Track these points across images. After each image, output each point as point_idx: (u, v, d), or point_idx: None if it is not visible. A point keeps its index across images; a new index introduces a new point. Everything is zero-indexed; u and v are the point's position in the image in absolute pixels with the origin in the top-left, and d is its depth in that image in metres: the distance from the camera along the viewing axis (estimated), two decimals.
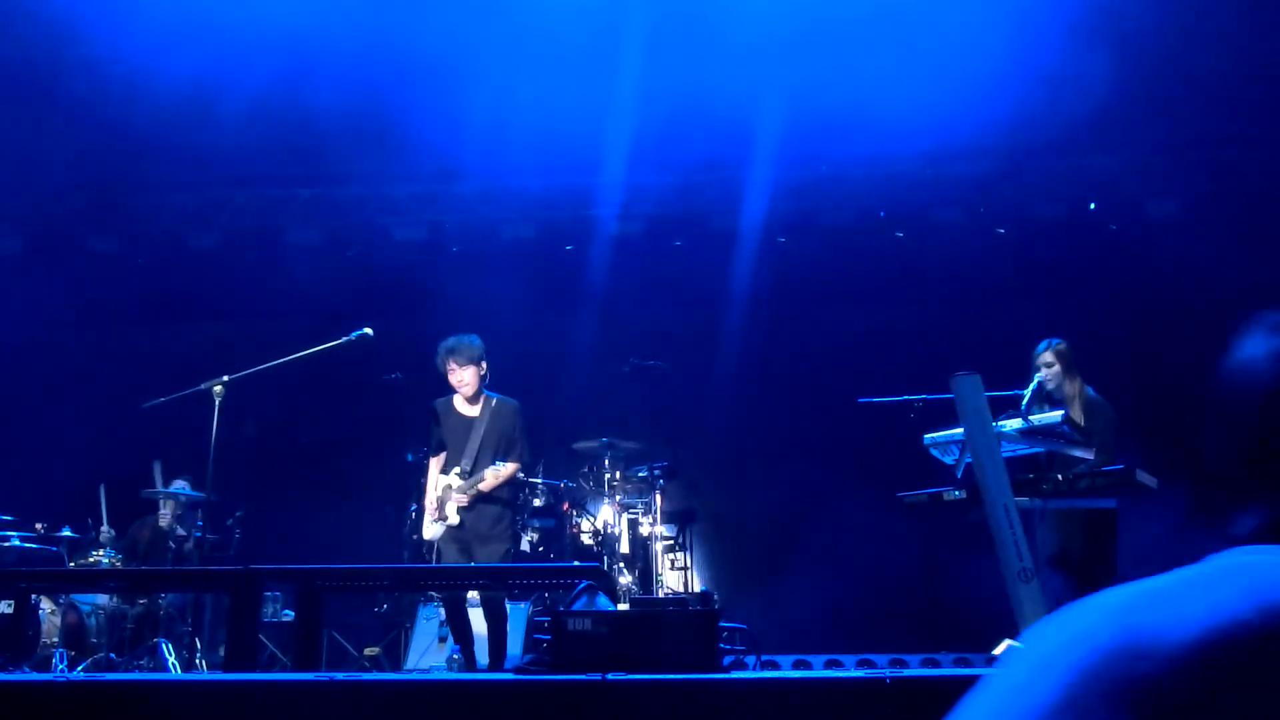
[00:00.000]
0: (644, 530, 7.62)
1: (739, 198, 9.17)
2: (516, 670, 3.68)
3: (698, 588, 7.86)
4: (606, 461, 7.70)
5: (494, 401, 6.23)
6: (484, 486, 6.01)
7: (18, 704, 3.19)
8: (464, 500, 5.99)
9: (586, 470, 7.81)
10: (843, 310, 9.19)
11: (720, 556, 8.57)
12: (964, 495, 5.08)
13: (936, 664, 4.14)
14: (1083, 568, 5.35)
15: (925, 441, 5.45)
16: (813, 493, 8.37)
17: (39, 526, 7.31)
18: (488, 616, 5.99)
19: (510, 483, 6.21)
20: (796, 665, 4.23)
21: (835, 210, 9.33)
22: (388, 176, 9.38)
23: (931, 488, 5.27)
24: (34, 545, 7.20)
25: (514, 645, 6.23)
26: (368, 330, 5.96)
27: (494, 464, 5.97)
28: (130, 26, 7.40)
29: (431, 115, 8.14)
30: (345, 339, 5.95)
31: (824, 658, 4.26)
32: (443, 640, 6.23)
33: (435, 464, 6.29)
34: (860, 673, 3.34)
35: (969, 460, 4.95)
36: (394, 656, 6.56)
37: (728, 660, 3.75)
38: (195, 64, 7.57)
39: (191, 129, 8.24)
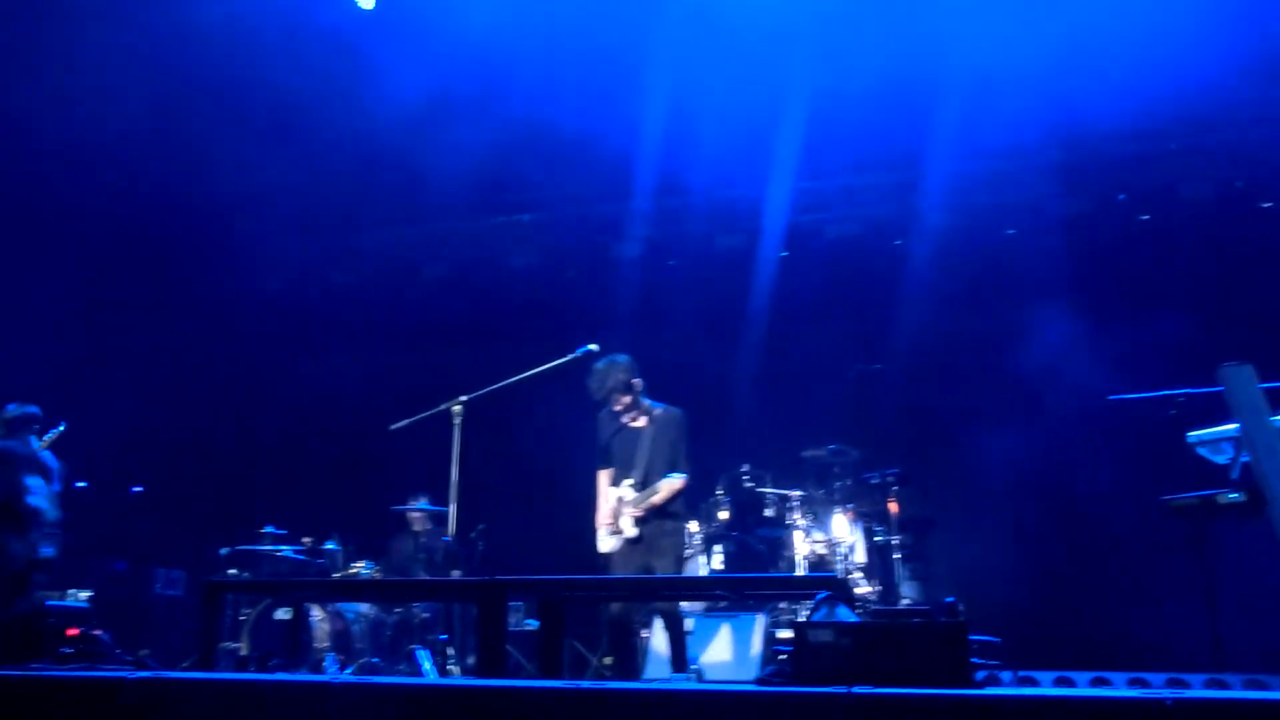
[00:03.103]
0: (879, 539, 7.39)
1: (952, 193, 8.85)
2: (759, 681, 3.62)
3: (941, 598, 7.53)
4: (836, 469, 7.52)
5: (658, 411, 6.10)
6: (656, 500, 5.87)
7: (300, 701, 3.43)
8: (638, 513, 5.89)
9: (816, 479, 7.66)
10: (1083, 304, 8.60)
11: (964, 565, 8.16)
12: (1243, 498, 4.59)
13: (1224, 685, 3.76)
14: None
15: (1190, 440, 4.98)
16: (1066, 496, 7.87)
17: (306, 540, 7.91)
18: (666, 629, 5.87)
19: (676, 498, 5.98)
20: (1058, 683, 3.95)
21: (1066, 197, 8.81)
22: (602, 196, 9.61)
23: (1203, 490, 4.80)
24: (304, 558, 7.80)
25: (747, 657, 6.14)
26: (593, 346, 6.05)
27: (665, 475, 5.85)
28: (352, 72, 7.97)
29: (642, 132, 8.31)
30: (571, 356, 6.07)
31: (1090, 675, 3.95)
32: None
33: (604, 477, 6.19)
34: (1134, 693, 3.06)
35: (1246, 459, 4.49)
36: (631, 666, 6.62)
37: (980, 675, 3.55)
38: (416, 102, 8.04)
39: (416, 166, 8.77)
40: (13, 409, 6.77)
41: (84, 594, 6.61)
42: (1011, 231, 8.95)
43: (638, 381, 6.07)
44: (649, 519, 5.91)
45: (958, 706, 2.96)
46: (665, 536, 5.93)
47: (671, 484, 5.89)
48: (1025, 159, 8.67)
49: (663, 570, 5.84)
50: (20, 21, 7.36)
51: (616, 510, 6.00)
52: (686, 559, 6.86)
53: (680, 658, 5.71)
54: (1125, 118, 7.81)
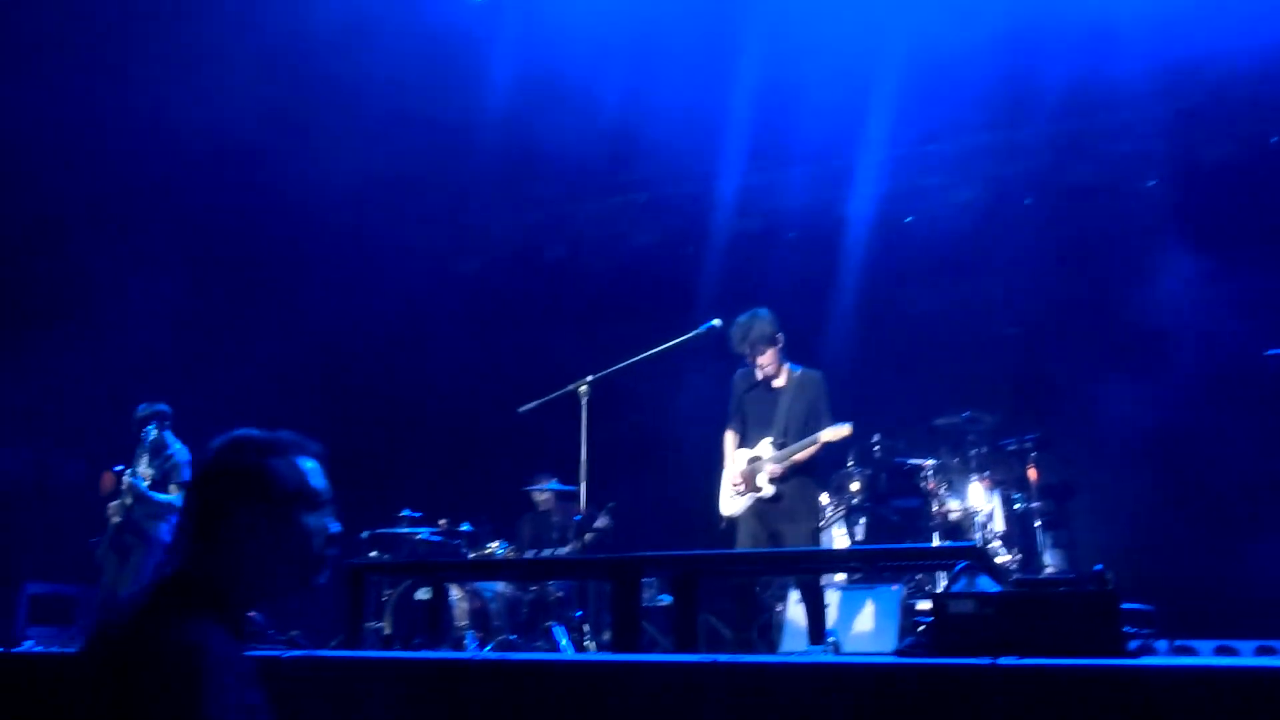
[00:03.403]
0: (1018, 506, 7.16)
1: (1086, 146, 8.47)
2: (899, 653, 3.55)
3: (1087, 566, 7.24)
4: (970, 436, 7.31)
5: (798, 374, 5.97)
6: (802, 456, 5.70)
7: (443, 677, 3.53)
8: (778, 470, 5.72)
9: (949, 447, 7.45)
10: (1232, 257, 8.10)
11: (1110, 532, 7.83)
12: None
13: None
14: None
15: None
16: (1217, 456, 7.45)
17: (441, 523, 8.14)
18: (805, 600, 5.71)
19: (816, 458, 5.85)
20: (1219, 652, 3.75)
21: (1212, 143, 8.31)
22: (718, 171, 9.53)
23: None
24: (441, 539, 8.03)
25: (885, 629, 6.03)
26: (716, 321, 5.99)
27: (807, 434, 5.68)
28: (467, 62, 8.09)
29: (756, 104, 8.21)
30: (695, 332, 6.01)
31: (1254, 643, 3.72)
32: None
33: (731, 438, 6.07)
34: None
35: None
36: (767, 639, 6.59)
37: (1134, 645, 3.40)
38: (531, 86, 8.13)
39: (532, 150, 8.88)
40: (143, 408, 7.17)
41: None
42: (1152, 183, 8.49)
43: (781, 336, 5.97)
44: (789, 477, 5.76)
45: (1110, 678, 2.84)
46: (803, 500, 5.78)
47: (838, 430, 5.68)
48: (1167, 104, 8.21)
49: (794, 536, 5.68)
50: (144, 25, 7.72)
51: (750, 470, 5.86)
52: (820, 530, 6.78)
53: (819, 630, 5.57)
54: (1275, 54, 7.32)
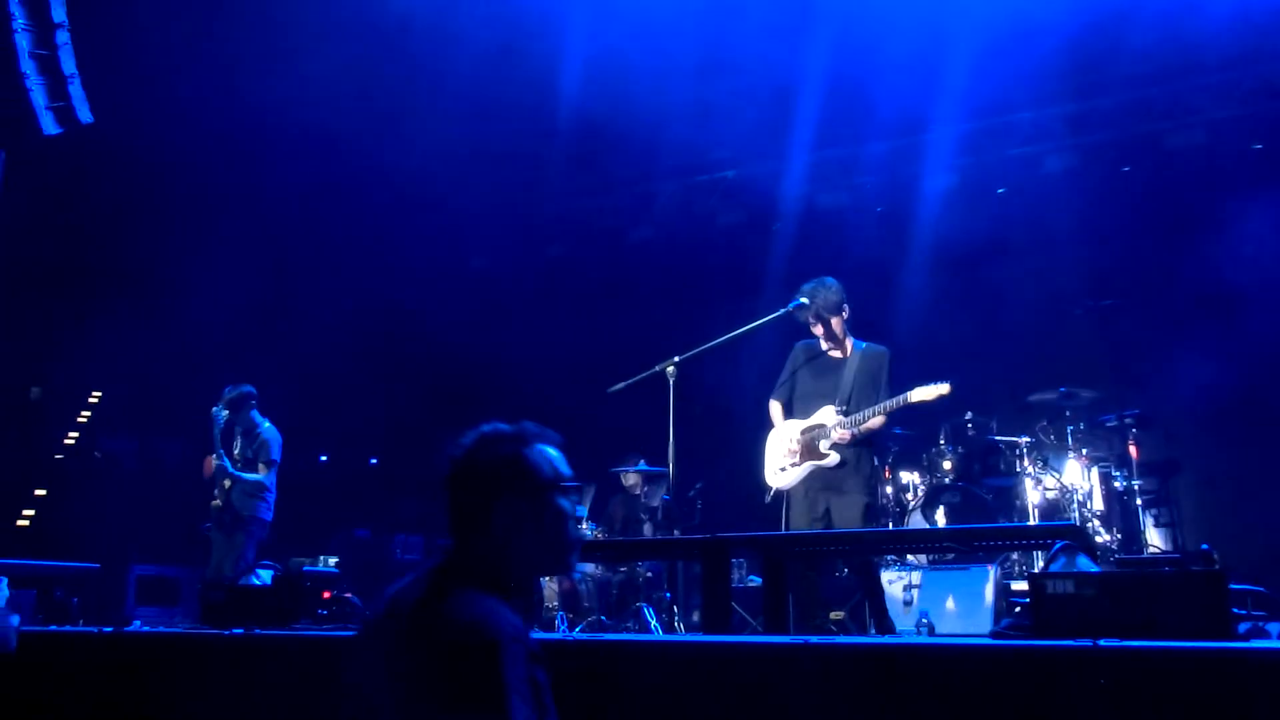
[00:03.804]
0: (1118, 484, 6.94)
1: (1189, 110, 8.20)
2: (995, 635, 3.49)
3: (1193, 546, 7.00)
4: (1067, 413, 7.10)
5: (862, 347, 5.74)
6: (875, 423, 5.44)
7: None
8: (847, 436, 5.44)
9: (1045, 424, 7.25)
10: None
11: (1217, 511, 7.55)
12: None
13: None
14: None
15: None
16: None
17: None
18: (861, 586, 5.49)
19: (881, 431, 5.63)
20: None
21: None
22: (802, 147, 9.39)
23: None
24: None
25: (979, 610, 5.91)
26: (804, 300, 5.90)
27: (869, 407, 5.46)
28: (551, 47, 8.12)
29: (838, 77, 8.09)
30: (782, 311, 5.91)
31: None
32: (908, 605, 6.04)
33: (778, 408, 5.84)
34: None
35: None
36: (859, 620, 6.51)
37: (1243, 628, 3.28)
38: (614, 68, 8.11)
39: (615, 130, 8.87)
40: (230, 391, 7.37)
41: (333, 560, 7.18)
42: (1259, 146, 8.12)
43: (847, 308, 5.79)
44: (851, 444, 5.50)
45: (1219, 661, 2.75)
46: (859, 472, 5.53)
47: (935, 389, 5.38)
48: (1264, 65, 7.83)
49: (845, 510, 5.44)
50: (233, 11, 7.93)
51: (808, 439, 5.62)
52: (910, 511, 6.64)
53: (880, 620, 5.33)
54: None
